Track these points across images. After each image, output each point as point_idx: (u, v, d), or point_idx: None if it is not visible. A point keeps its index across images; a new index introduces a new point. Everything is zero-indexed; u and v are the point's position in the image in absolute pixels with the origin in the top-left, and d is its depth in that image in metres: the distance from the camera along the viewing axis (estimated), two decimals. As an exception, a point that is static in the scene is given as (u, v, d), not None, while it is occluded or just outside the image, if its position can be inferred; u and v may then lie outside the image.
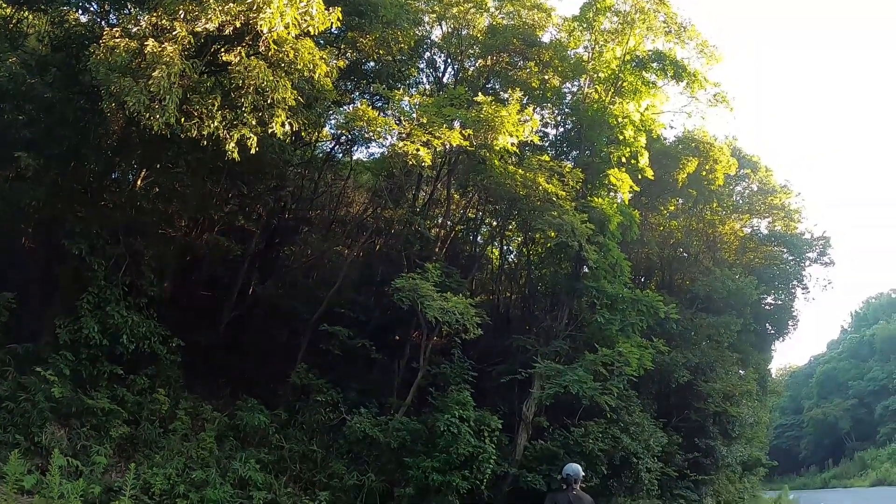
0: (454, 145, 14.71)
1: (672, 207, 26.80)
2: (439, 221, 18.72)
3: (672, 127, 24.85)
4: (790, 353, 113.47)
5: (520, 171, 15.78)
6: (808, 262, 32.96)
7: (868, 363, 61.83)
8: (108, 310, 12.22)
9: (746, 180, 31.72)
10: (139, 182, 14.42)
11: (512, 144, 15.39)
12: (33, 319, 12.49)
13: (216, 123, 10.58)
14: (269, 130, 11.13)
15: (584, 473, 8.78)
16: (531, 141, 16.88)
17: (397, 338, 17.04)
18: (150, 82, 9.55)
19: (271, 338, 17.12)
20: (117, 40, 9.93)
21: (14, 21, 11.23)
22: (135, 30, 10.05)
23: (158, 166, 14.41)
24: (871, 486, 42.24)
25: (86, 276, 12.33)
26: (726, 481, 26.63)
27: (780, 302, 32.07)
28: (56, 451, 10.10)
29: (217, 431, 13.11)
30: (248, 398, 14.12)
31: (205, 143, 10.91)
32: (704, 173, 24.51)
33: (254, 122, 10.85)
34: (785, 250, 31.85)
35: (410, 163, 14.32)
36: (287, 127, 11.44)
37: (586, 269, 17.14)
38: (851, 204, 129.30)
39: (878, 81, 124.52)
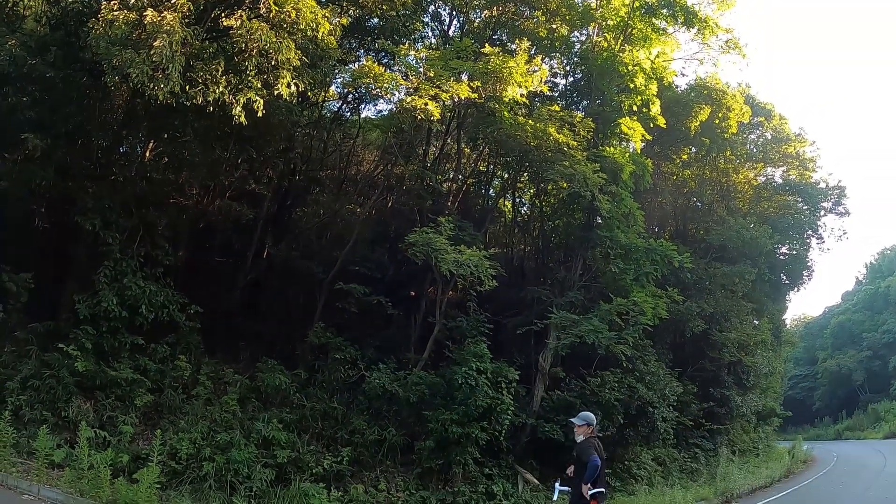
0: (462, 98, 14.50)
1: (685, 156, 26.43)
2: (451, 176, 18.58)
3: (684, 75, 24.42)
4: (805, 304, 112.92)
5: (530, 121, 15.58)
6: (822, 212, 32.70)
7: (882, 315, 61.52)
8: (126, 282, 12.36)
9: (760, 128, 31.25)
10: (148, 154, 14.47)
11: (521, 95, 15.16)
12: (52, 298, 12.67)
13: (221, 89, 10.51)
14: (275, 92, 11.05)
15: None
16: (540, 91, 16.62)
17: (413, 293, 17.07)
18: (151, 52, 9.47)
19: (288, 299, 17.25)
20: (116, 13, 9.77)
21: (10, 4, 11.09)
22: (133, 1, 9.88)
23: (166, 136, 14.43)
24: (885, 439, 42.38)
25: (101, 251, 12.45)
26: (741, 431, 27.00)
27: (794, 252, 31.88)
28: (83, 424, 10.32)
29: (239, 394, 13.32)
30: (267, 360, 14.32)
31: (211, 109, 10.85)
32: (717, 121, 24.11)
33: (259, 85, 10.76)
34: (800, 200, 31.55)
35: (419, 118, 14.18)
36: (293, 88, 11.32)
37: (599, 220, 17.05)
38: (863, 156, 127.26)
39: (888, 32, 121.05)
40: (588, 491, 7.83)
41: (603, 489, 8.11)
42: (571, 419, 8.80)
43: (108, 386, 11.81)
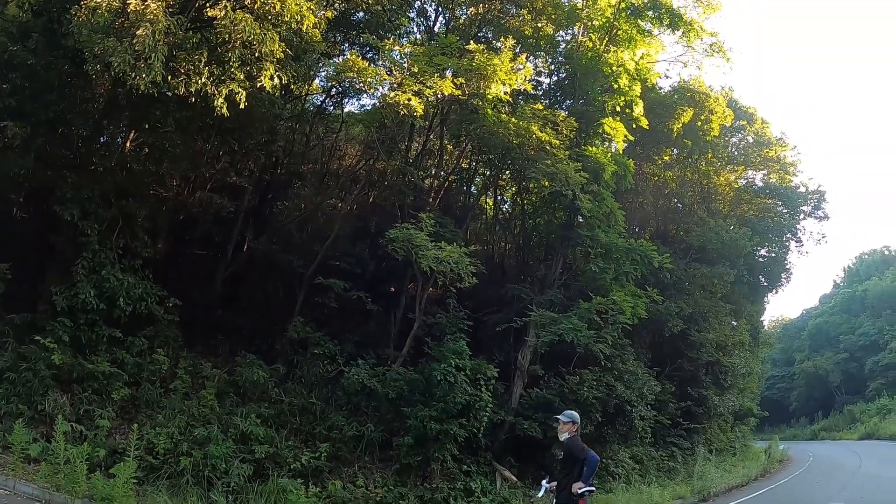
0: (446, 95, 14.47)
1: (667, 158, 26.69)
2: (433, 172, 18.64)
3: (667, 77, 24.75)
4: (783, 306, 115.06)
5: (513, 119, 15.57)
6: (802, 216, 33.31)
7: (859, 318, 62.57)
8: (104, 273, 12.22)
9: (742, 132, 31.70)
10: (128, 144, 14.33)
11: (505, 93, 15.13)
12: (30, 289, 12.51)
13: (203, 80, 10.42)
14: (258, 85, 10.97)
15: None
16: (524, 90, 16.62)
17: (393, 289, 17.06)
18: (134, 41, 9.36)
19: (267, 293, 17.14)
20: (99, 0, 9.66)
21: (-8, -11, 11.04)
22: (116, -12, 9.79)
23: (147, 127, 14.24)
24: (860, 440, 43.05)
25: (79, 242, 12.29)
26: (718, 430, 27.25)
27: (773, 254, 32.40)
28: (59, 418, 10.21)
29: (217, 388, 13.22)
30: (246, 354, 14.23)
31: (193, 100, 10.81)
32: (700, 124, 24.40)
33: (242, 77, 10.68)
34: (779, 203, 31.99)
35: (402, 113, 14.11)
36: (276, 80, 11.27)
37: (580, 219, 17.10)
38: (851, 152, 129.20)
39: (877, 29, 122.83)
40: (580, 488, 7.84)
41: (593, 487, 8.13)
42: (557, 416, 8.74)
43: (85, 379, 11.68)
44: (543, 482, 8.76)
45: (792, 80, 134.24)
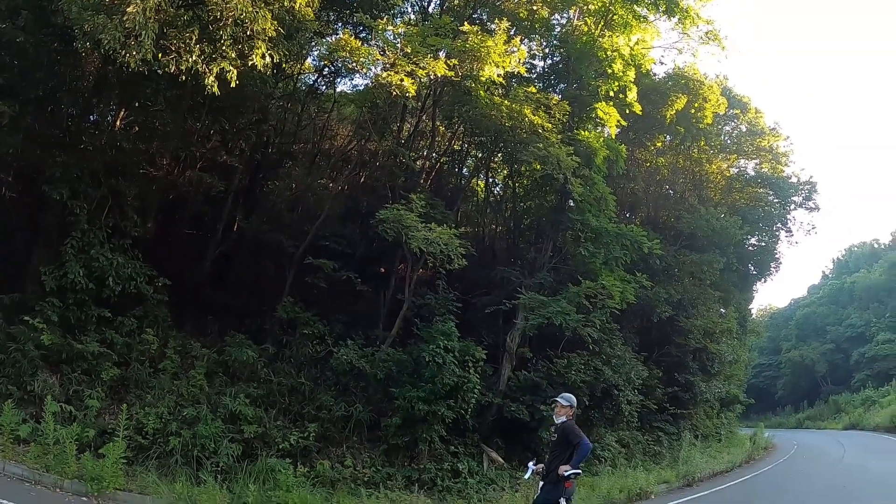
0: (439, 76, 14.40)
1: (659, 144, 26.66)
2: (424, 154, 18.56)
3: (662, 63, 24.57)
4: (771, 295, 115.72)
5: (506, 102, 15.52)
6: (793, 206, 33.35)
7: (847, 310, 63.11)
8: (93, 253, 12.20)
9: (735, 121, 31.62)
10: (118, 122, 14.18)
11: (498, 75, 15.11)
12: (19, 269, 12.48)
13: (194, 58, 10.31)
14: (250, 63, 10.91)
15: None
16: (518, 72, 16.54)
17: (382, 270, 17.05)
18: (124, 18, 9.24)
19: (257, 273, 17.13)
20: None
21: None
22: (106, -35, 9.64)
23: (137, 105, 14.14)
24: (844, 430, 43.27)
25: (69, 221, 12.26)
26: (704, 416, 27.42)
27: (763, 243, 32.47)
28: (49, 398, 10.34)
29: (206, 368, 13.23)
30: (235, 334, 14.23)
31: (184, 78, 10.66)
32: (693, 111, 24.34)
33: (233, 55, 10.59)
34: (771, 193, 32.00)
35: (394, 94, 14.08)
36: (268, 59, 11.16)
37: (571, 203, 17.10)
38: (847, 147, 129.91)
39: (874, 24, 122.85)
40: (566, 471, 7.85)
41: (579, 470, 8.15)
42: (555, 398, 8.70)
43: (74, 359, 11.71)
44: (530, 464, 8.77)
45: (790, 75, 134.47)
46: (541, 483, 8.37)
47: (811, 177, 35.05)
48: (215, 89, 10.57)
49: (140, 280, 12.96)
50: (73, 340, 11.76)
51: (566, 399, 8.51)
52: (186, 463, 11.05)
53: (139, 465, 10.64)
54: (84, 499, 9.19)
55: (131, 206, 13.56)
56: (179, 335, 13.88)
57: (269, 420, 12.94)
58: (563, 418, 8.33)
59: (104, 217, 12.78)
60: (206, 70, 10.41)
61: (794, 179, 33.45)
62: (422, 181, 17.05)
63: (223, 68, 10.48)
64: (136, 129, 14.59)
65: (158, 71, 10.37)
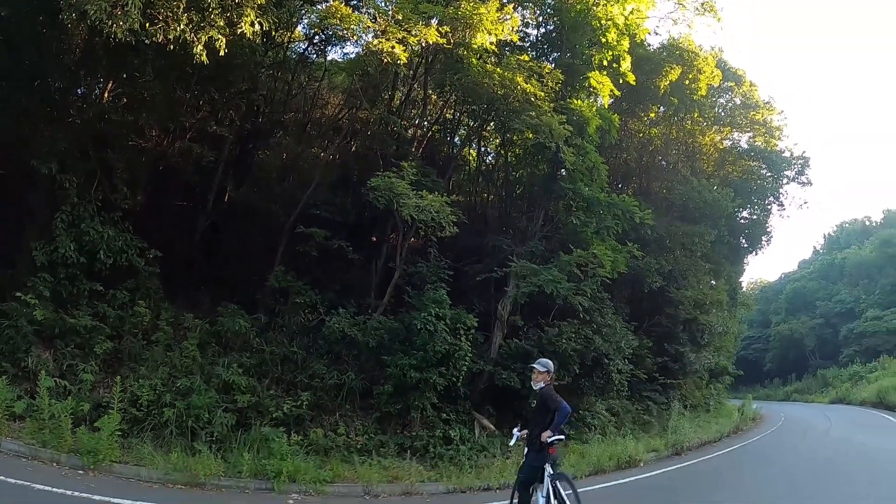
0: (431, 43, 14.21)
1: (653, 115, 26.49)
2: (416, 122, 18.38)
3: (657, 34, 24.41)
4: (762, 269, 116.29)
5: (498, 70, 15.36)
6: (785, 180, 33.42)
7: (837, 286, 63.74)
8: (83, 227, 12.16)
9: (730, 93, 31.52)
10: (106, 95, 14.06)
11: (491, 43, 15.01)
12: (9, 246, 12.41)
13: (182, 26, 10.18)
14: (239, 31, 10.78)
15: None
16: (511, 41, 16.43)
17: (374, 238, 17.02)
18: (111, -13, 9.06)
19: (249, 243, 17.03)
20: None
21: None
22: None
23: (125, 77, 13.99)
24: (831, 403, 43.93)
25: (58, 196, 12.18)
26: (693, 386, 27.66)
27: (755, 217, 32.58)
28: (43, 374, 10.27)
29: (199, 339, 13.21)
30: (228, 304, 14.19)
31: (171, 48, 10.57)
32: (688, 82, 24.23)
33: (222, 24, 10.46)
34: (764, 166, 32.08)
35: (386, 61, 13.90)
36: (257, 27, 11.08)
37: (563, 172, 17.08)
38: (840, 126, 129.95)
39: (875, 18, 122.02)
40: (549, 437, 7.89)
41: (562, 436, 8.20)
42: (532, 365, 8.75)
43: (67, 334, 11.71)
44: (515, 430, 8.83)
45: (792, 69, 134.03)
46: (525, 450, 8.45)
47: (804, 152, 34.97)
48: (204, 58, 10.45)
49: (131, 252, 12.95)
50: (65, 315, 11.75)
51: (543, 365, 8.55)
52: (181, 434, 11.09)
53: (134, 437, 10.69)
54: (81, 472, 9.22)
55: (121, 179, 13.49)
56: (172, 307, 13.83)
57: (263, 389, 12.97)
58: (542, 384, 8.36)
59: (93, 190, 12.73)
60: (195, 39, 10.30)
61: (787, 154, 33.49)
62: (413, 150, 16.92)
63: (212, 37, 10.36)
64: (124, 100, 14.47)
65: (146, 41, 10.35)
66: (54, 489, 8.13)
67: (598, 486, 12.74)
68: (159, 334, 12.81)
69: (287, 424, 12.40)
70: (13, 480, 8.08)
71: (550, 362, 8.73)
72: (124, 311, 12.79)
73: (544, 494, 7.96)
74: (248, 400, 12.27)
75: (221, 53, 10.68)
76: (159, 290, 13.83)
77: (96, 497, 8.17)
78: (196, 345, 12.99)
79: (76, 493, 8.16)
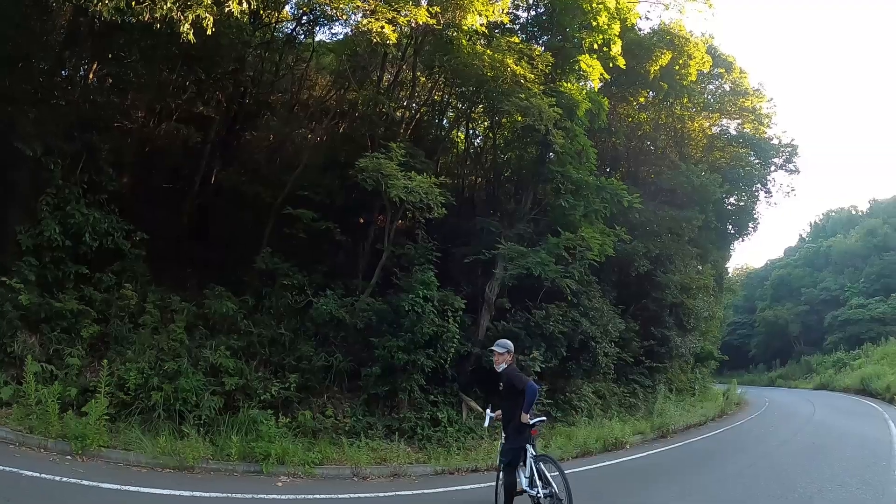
0: (421, 24, 14.09)
1: (642, 99, 26.44)
2: (405, 104, 18.23)
3: (648, 18, 24.52)
4: (748, 255, 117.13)
5: (488, 51, 15.29)
6: (773, 168, 33.47)
7: (822, 273, 64.27)
8: (69, 209, 12.04)
9: (719, 80, 31.42)
10: (91, 76, 13.96)
11: (481, 25, 14.91)
12: None
13: (169, 5, 9.95)
14: (226, 10, 10.60)
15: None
16: (501, 22, 16.38)
17: (362, 220, 16.96)
18: (95, -36, 8.91)
19: (236, 224, 16.90)
20: None
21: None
22: None
23: (110, 57, 13.89)
24: (815, 389, 44.31)
25: (43, 178, 12.04)
26: (679, 370, 27.87)
27: (742, 203, 32.64)
28: (29, 359, 10.21)
29: (186, 322, 13.12)
30: (215, 286, 14.08)
31: (158, 27, 10.34)
32: (678, 68, 24.11)
33: (209, 2, 10.24)
34: (752, 153, 32.08)
35: (375, 41, 13.76)
36: (245, 6, 10.87)
37: (552, 155, 17.06)
38: (830, 116, 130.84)
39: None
40: (530, 419, 7.91)
41: (544, 417, 8.19)
42: (491, 348, 8.70)
43: (53, 318, 11.60)
44: (488, 411, 8.87)
45: (781, 58, 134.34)
46: (503, 435, 8.46)
47: (792, 140, 35.08)
48: (191, 38, 10.26)
49: (117, 235, 12.82)
50: (51, 299, 11.64)
51: (502, 346, 8.53)
52: (169, 417, 11.05)
53: (122, 421, 10.66)
54: (69, 457, 9.19)
55: (106, 161, 13.35)
56: (158, 289, 13.69)
57: (250, 372, 12.91)
58: (504, 365, 8.36)
59: (79, 172, 12.63)
60: (181, 17, 10.09)
61: (775, 141, 33.56)
62: (401, 131, 16.82)
63: (199, 15, 10.15)
64: (110, 81, 14.40)
65: (131, 20, 10.20)
66: (43, 475, 8.09)
67: (584, 468, 12.87)
68: (146, 317, 12.69)
69: (275, 407, 12.39)
70: (1, 467, 8.03)
71: (510, 342, 8.75)
72: (111, 295, 12.67)
73: (527, 475, 8.00)
74: (236, 382, 12.23)
75: (209, 33, 10.49)
76: (146, 273, 13.70)
77: (85, 482, 8.15)
78: (183, 327, 12.90)
79: (65, 479, 8.13)
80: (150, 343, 12.27)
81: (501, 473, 8.32)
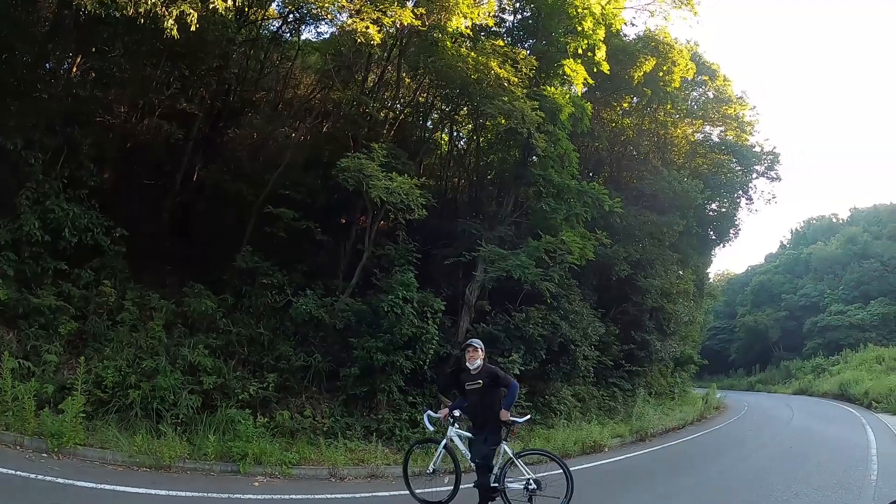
0: (406, 25, 14.10)
1: (626, 105, 26.61)
2: (388, 104, 18.27)
3: (633, 24, 24.67)
4: (729, 261, 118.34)
5: (472, 54, 15.35)
6: (755, 175, 33.95)
7: (802, 280, 65.13)
8: (48, 204, 11.90)
9: (703, 87, 31.66)
10: (74, 69, 13.81)
11: (466, 27, 14.92)
12: None
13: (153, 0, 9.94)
14: (211, 6, 10.59)
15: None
16: (486, 25, 16.44)
17: (343, 220, 16.94)
18: (80, -43, 8.85)
19: (217, 222, 16.86)
20: None
21: None
22: None
23: (94, 51, 13.74)
24: (794, 394, 44.89)
25: (23, 172, 11.88)
26: (658, 374, 28.11)
27: (724, 209, 32.99)
28: (6, 355, 10.07)
29: (165, 320, 13.01)
30: (194, 284, 14.01)
31: (142, 21, 10.32)
32: (662, 74, 24.24)
33: (193, -2, 10.28)
34: (734, 160, 32.44)
35: (359, 41, 13.76)
36: (230, 2, 10.96)
37: (535, 158, 17.12)
38: (814, 125, 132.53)
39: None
40: (517, 418, 7.97)
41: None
42: (471, 342, 8.57)
43: (31, 314, 11.47)
44: (431, 413, 8.85)
45: (766, 67, 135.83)
46: (470, 437, 8.33)
47: (774, 147, 35.86)
48: (175, 33, 10.28)
49: (97, 231, 12.71)
50: (29, 295, 11.51)
51: (480, 343, 8.51)
52: (146, 416, 10.96)
53: (99, 419, 10.56)
54: (45, 455, 9.10)
55: (87, 156, 13.24)
56: (137, 287, 13.56)
57: (229, 371, 12.84)
58: (479, 363, 8.28)
59: (60, 167, 12.48)
60: (166, 13, 10.13)
61: (757, 149, 34.00)
62: (385, 132, 16.86)
63: (183, 11, 10.21)
64: (93, 76, 14.24)
65: (116, 14, 10.04)
66: (18, 472, 8.02)
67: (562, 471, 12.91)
68: (124, 314, 12.57)
69: (253, 406, 12.33)
70: (-25, 465, 7.95)
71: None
72: (89, 291, 12.56)
73: (505, 476, 8.01)
74: (214, 381, 12.16)
75: (193, 29, 10.50)
76: (125, 270, 13.57)
77: (60, 480, 8.09)
78: (162, 325, 12.78)
79: (40, 477, 8.07)
80: (128, 341, 12.16)
81: (480, 475, 8.26)
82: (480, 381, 8.28)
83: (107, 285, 12.68)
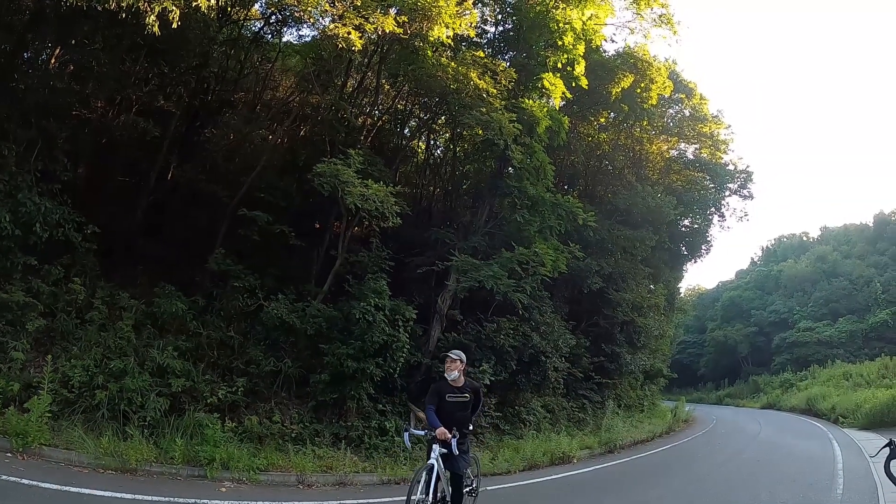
0: (388, 32, 14.16)
1: (602, 120, 27.01)
2: (367, 111, 18.29)
3: (613, 41, 24.97)
4: (700, 276, 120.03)
5: (452, 64, 15.47)
6: (728, 192, 34.75)
7: (772, 296, 66.38)
8: (20, 197, 11.64)
9: (680, 105, 32.32)
10: (53, 61, 13.60)
11: (448, 37, 15.02)
12: None
13: None
14: (194, 4, 10.56)
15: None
16: (468, 36, 16.58)
17: (317, 225, 16.90)
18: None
19: (190, 223, 16.61)
20: None
21: None
22: None
23: (74, 43, 13.56)
24: (762, 409, 45.59)
25: None
26: (628, 387, 28.35)
27: (696, 226, 33.65)
28: None
29: (134, 320, 12.84)
30: (165, 285, 13.83)
31: (123, 16, 10.27)
32: (639, 91, 24.66)
33: (176, -5, 10.24)
34: (707, 178, 33.13)
35: (340, 46, 13.80)
36: (212, 1, 10.83)
37: (510, 169, 17.30)
38: (787, 145, 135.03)
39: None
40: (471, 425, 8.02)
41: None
42: (450, 353, 8.40)
43: (-2, 310, 11.18)
44: (413, 431, 8.65)
45: (745, 86, 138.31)
46: (437, 446, 7.95)
47: (748, 166, 36.42)
48: (156, 30, 10.21)
49: (69, 227, 12.50)
50: (-3, 289, 11.26)
51: (461, 354, 8.38)
52: (113, 417, 10.81)
53: (65, 419, 10.39)
54: (9, 455, 8.95)
55: (62, 150, 13.04)
56: (108, 285, 13.39)
57: (198, 374, 12.70)
58: (456, 374, 8.16)
59: (33, 160, 12.24)
60: (148, 9, 10.04)
61: (731, 167, 34.79)
62: (362, 138, 16.82)
63: (165, 8, 10.13)
64: (72, 68, 14.03)
65: (98, 7, 9.97)
66: (-19, 472, 7.87)
67: (531, 481, 12.99)
68: (94, 313, 12.39)
69: (221, 411, 12.23)
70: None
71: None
72: (58, 288, 12.33)
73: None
74: (183, 384, 12.01)
75: (174, 26, 10.46)
76: (96, 268, 13.39)
77: (24, 481, 7.96)
78: (131, 325, 12.61)
79: (3, 477, 7.94)
80: (96, 340, 11.99)
81: (466, 482, 8.29)
82: (467, 396, 8.23)
83: (77, 283, 12.49)
